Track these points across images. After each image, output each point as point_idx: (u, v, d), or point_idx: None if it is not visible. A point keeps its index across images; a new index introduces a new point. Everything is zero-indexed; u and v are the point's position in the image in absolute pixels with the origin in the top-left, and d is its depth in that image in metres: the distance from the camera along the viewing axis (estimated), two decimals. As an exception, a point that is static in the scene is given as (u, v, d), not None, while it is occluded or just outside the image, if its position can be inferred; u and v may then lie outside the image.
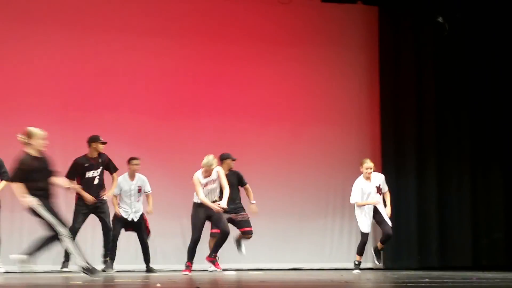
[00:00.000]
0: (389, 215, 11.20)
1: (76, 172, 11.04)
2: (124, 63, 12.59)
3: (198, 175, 10.49)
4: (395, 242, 13.40)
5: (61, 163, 11.38)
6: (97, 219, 11.12)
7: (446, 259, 13.66)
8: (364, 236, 11.23)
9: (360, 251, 11.24)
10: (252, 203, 11.31)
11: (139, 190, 11.38)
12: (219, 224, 10.53)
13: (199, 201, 10.42)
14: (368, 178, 11.17)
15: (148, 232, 11.48)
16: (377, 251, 11.49)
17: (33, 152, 8.99)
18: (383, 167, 13.61)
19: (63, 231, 8.79)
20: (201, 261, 11.12)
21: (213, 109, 13.03)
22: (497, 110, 14.18)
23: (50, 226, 8.81)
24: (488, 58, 14.19)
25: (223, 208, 10.35)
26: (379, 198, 11.19)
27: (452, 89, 14.10)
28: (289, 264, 12.92)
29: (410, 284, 7.40)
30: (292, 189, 13.29)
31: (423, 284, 7.50)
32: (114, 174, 11.22)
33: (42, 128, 11.92)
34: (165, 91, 12.81)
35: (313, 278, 9.35)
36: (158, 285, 6.86)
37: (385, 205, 11.29)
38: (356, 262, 11.27)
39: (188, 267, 10.50)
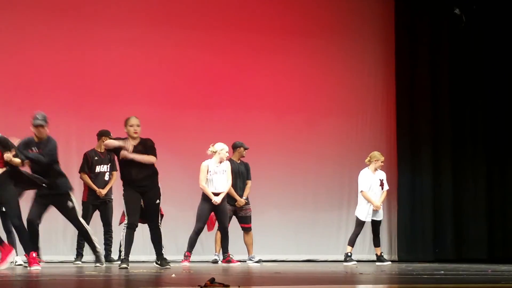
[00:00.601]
0: (378, 208, 11.60)
1: (87, 165, 11.10)
2: (134, 55, 12.55)
3: (208, 162, 10.76)
4: (410, 235, 13.41)
5: (76, 155, 11.55)
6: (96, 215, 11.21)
7: (461, 252, 13.62)
8: (360, 225, 11.50)
9: (353, 242, 11.43)
10: (243, 199, 11.28)
11: None
12: (219, 219, 10.88)
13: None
14: (376, 170, 11.63)
15: (161, 216, 11.50)
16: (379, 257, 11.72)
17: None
18: (398, 159, 13.61)
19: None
20: (207, 252, 11.31)
21: (227, 100, 13.01)
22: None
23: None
24: (505, 51, 14.09)
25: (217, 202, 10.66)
26: (380, 192, 11.66)
27: (468, 83, 14.03)
28: (303, 256, 12.91)
29: (426, 276, 7.36)
30: (307, 181, 13.26)
31: (438, 276, 7.47)
32: (114, 172, 11.24)
33: (58, 120, 12.03)
34: (176, 81, 12.77)
35: (327, 269, 9.33)
36: (173, 275, 6.86)
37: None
38: (349, 254, 11.37)
39: (187, 257, 10.63)
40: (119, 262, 9.41)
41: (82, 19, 12.35)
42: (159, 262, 9.52)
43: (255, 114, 13.12)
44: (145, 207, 9.43)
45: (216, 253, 11.40)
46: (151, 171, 9.37)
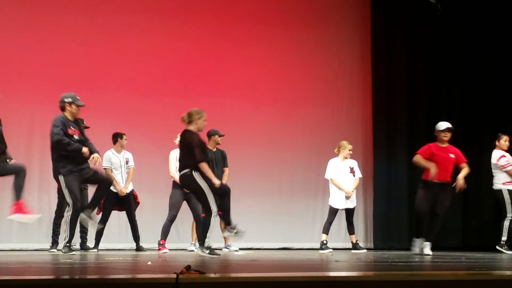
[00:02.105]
0: (350, 194, 11.68)
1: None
2: (112, 44, 12.56)
3: (176, 152, 10.74)
4: (386, 223, 13.49)
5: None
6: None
7: (436, 240, 13.68)
8: (333, 213, 11.63)
9: (327, 230, 11.52)
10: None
11: (127, 162, 11.42)
12: (192, 207, 10.85)
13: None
14: (345, 158, 11.79)
15: (137, 204, 11.50)
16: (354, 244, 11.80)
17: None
18: (374, 148, 13.67)
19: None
20: (183, 240, 11.32)
21: (204, 88, 13.00)
22: (489, 88, 14.20)
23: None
24: (481, 38, 14.20)
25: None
26: (352, 179, 11.77)
27: (445, 71, 14.12)
28: (279, 244, 12.96)
29: (401, 264, 7.41)
30: (283, 170, 13.30)
31: (413, 263, 7.53)
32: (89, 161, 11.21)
33: (32, 107, 11.97)
34: (156, 70, 12.77)
35: (303, 257, 9.36)
36: (149, 263, 6.85)
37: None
38: (324, 241, 11.45)
39: (162, 245, 10.65)
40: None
41: (59, 7, 12.28)
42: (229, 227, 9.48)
43: (232, 104, 13.12)
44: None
45: (193, 242, 11.41)
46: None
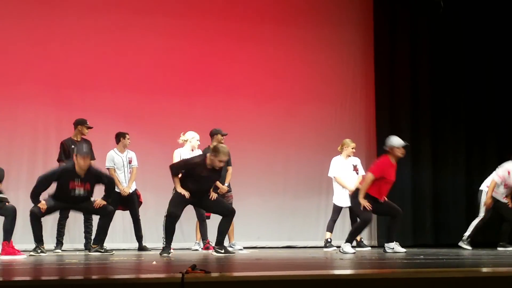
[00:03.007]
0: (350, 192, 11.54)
1: (65, 154, 11.09)
2: (113, 43, 12.53)
3: (180, 151, 10.87)
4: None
5: (56, 144, 11.49)
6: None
7: (440, 237, 13.72)
8: (337, 211, 11.63)
9: (331, 228, 11.52)
10: (224, 185, 11.27)
11: (130, 162, 11.42)
12: (196, 208, 10.75)
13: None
14: (348, 156, 11.76)
15: (140, 203, 11.50)
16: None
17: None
18: (378, 147, 13.63)
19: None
20: (187, 239, 11.33)
21: (207, 87, 13.00)
22: (493, 87, 14.20)
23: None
24: (484, 36, 14.20)
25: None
26: (355, 176, 11.72)
27: (448, 70, 14.11)
28: (283, 242, 12.96)
29: (406, 261, 7.41)
30: (286, 168, 13.30)
31: (418, 260, 7.53)
32: (91, 162, 11.22)
33: (35, 108, 11.98)
34: (158, 69, 12.77)
35: (308, 255, 9.36)
36: (154, 262, 6.86)
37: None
38: (329, 239, 11.45)
39: None
40: (161, 250, 9.68)
41: (58, 7, 12.29)
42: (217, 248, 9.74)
43: (235, 103, 13.12)
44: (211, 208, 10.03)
45: (197, 241, 11.42)
46: None
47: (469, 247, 11.51)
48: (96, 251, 10.07)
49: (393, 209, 10.09)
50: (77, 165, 9.72)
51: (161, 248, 9.80)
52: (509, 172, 11.67)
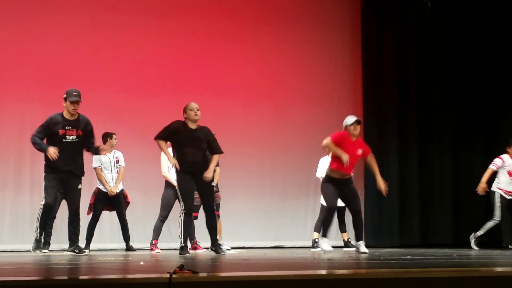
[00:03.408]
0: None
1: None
2: (109, 41, 12.52)
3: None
4: (377, 221, 13.51)
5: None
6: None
7: (427, 237, 13.76)
8: (324, 212, 11.50)
9: (319, 228, 11.50)
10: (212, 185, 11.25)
11: (117, 161, 11.40)
12: None
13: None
14: None
15: (127, 204, 11.47)
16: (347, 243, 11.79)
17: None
18: (365, 147, 13.65)
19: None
20: (175, 240, 11.30)
21: (195, 87, 12.98)
22: (480, 87, 14.25)
23: None
24: (471, 36, 14.25)
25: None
26: None
27: (435, 68, 14.15)
28: (271, 242, 12.96)
29: (393, 261, 7.42)
30: (274, 168, 13.31)
31: (405, 261, 7.54)
32: None
33: (22, 107, 11.95)
34: (146, 68, 12.75)
35: (295, 256, 9.36)
36: (142, 263, 6.85)
37: None
38: (316, 240, 11.45)
39: (155, 245, 10.64)
40: (179, 249, 9.58)
41: (49, 7, 12.26)
42: (214, 249, 9.68)
43: (223, 103, 13.11)
44: (200, 191, 9.65)
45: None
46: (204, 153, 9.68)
47: (476, 248, 11.45)
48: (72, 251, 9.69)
49: (353, 204, 10.02)
50: (66, 111, 9.51)
51: (179, 247, 9.62)
52: (502, 160, 11.69)
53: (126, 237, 11.40)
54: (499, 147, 12.37)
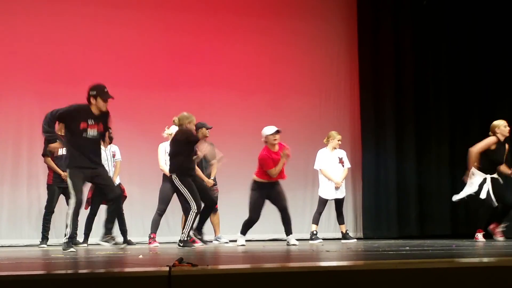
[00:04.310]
0: (339, 185, 11.71)
1: (49, 149, 11.04)
2: (105, 35, 12.51)
3: (165, 144, 10.95)
4: (375, 213, 13.52)
5: (40, 137, 11.43)
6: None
7: (425, 228, 13.77)
8: (322, 203, 11.63)
9: (317, 220, 11.53)
10: (210, 179, 11.28)
11: (114, 156, 11.39)
12: (181, 200, 10.72)
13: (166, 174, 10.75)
14: (334, 148, 11.77)
15: (124, 198, 11.47)
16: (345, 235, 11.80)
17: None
18: (363, 139, 13.68)
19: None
20: (173, 233, 11.34)
21: (192, 81, 12.97)
22: (476, 79, 14.23)
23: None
24: (467, 27, 14.22)
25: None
26: (341, 169, 11.79)
27: (431, 60, 14.13)
28: (268, 235, 12.95)
29: (391, 253, 7.43)
30: (272, 161, 13.27)
31: (404, 252, 7.54)
32: None
33: (19, 101, 11.93)
34: (143, 62, 12.74)
35: (294, 248, 9.37)
36: (140, 256, 6.84)
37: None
38: (314, 232, 11.47)
39: (153, 238, 10.65)
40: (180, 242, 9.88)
41: (45, 1, 12.25)
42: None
43: (220, 95, 13.10)
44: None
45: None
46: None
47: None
48: (107, 241, 9.35)
49: (279, 203, 10.49)
50: (95, 106, 8.81)
51: (181, 240, 9.95)
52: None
53: (123, 231, 11.39)
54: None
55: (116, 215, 9.53)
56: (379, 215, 13.59)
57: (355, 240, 12.11)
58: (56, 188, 11.06)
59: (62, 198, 11.20)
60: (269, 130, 10.44)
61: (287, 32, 13.59)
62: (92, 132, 8.78)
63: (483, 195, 11.10)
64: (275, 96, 13.41)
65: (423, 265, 4.94)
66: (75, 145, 8.75)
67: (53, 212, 11.06)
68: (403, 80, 13.97)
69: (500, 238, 11.02)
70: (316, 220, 11.67)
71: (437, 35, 14.14)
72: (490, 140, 11.15)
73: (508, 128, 11.14)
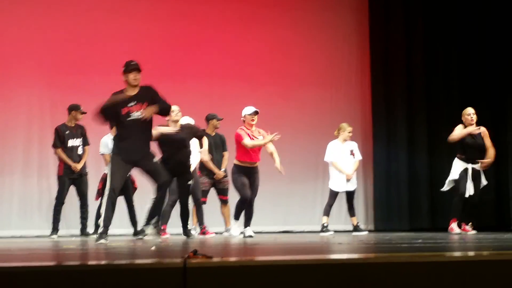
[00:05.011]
0: (350, 177, 11.65)
1: (60, 140, 11.07)
2: (111, 26, 12.52)
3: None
4: (386, 205, 13.48)
5: (51, 128, 11.44)
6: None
7: (436, 220, 13.72)
8: (333, 196, 11.60)
9: (327, 212, 11.51)
10: (221, 171, 11.28)
11: None
12: (192, 191, 10.70)
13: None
14: (345, 140, 11.71)
15: (134, 189, 11.48)
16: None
17: None
18: (374, 131, 13.64)
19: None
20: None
21: (202, 72, 12.95)
22: (488, 70, 14.16)
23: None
24: (478, 19, 14.14)
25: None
26: (352, 161, 11.74)
27: (443, 51, 14.07)
28: (279, 227, 12.95)
29: (404, 245, 7.39)
30: (283, 153, 13.16)
31: (417, 245, 7.51)
32: (86, 147, 11.26)
33: (29, 91, 11.93)
34: (155, 54, 12.72)
35: (305, 240, 9.35)
36: (153, 248, 6.82)
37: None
38: (325, 224, 11.45)
39: (163, 230, 10.65)
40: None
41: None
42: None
43: (231, 87, 13.08)
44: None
45: (193, 226, 11.41)
46: None
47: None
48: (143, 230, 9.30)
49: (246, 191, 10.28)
50: (128, 86, 8.52)
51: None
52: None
53: (134, 222, 11.41)
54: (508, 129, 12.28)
55: (161, 204, 9.22)
56: (390, 207, 13.55)
57: (366, 232, 12.09)
58: (66, 179, 11.08)
59: (72, 189, 11.22)
60: (248, 110, 10.45)
61: (298, 24, 13.55)
62: (136, 114, 8.48)
63: (462, 188, 11.11)
64: (286, 88, 13.38)
65: (436, 259, 4.91)
66: (123, 131, 8.52)
67: (63, 203, 11.08)
68: (414, 72, 13.91)
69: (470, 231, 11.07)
70: (327, 212, 11.65)
71: (449, 27, 14.07)
72: (457, 128, 11.16)
73: (470, 117, 11.32)
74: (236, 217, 10.56)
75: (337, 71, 13.78)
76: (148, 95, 8.58)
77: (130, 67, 8.58)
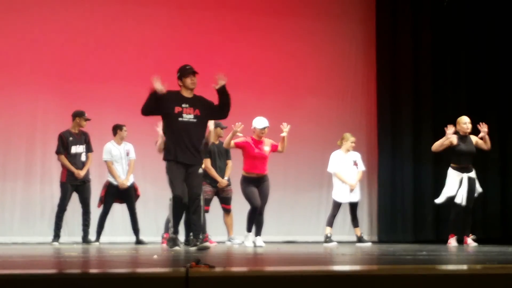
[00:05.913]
0: (353, 187, 11.60)
1: (63, 146, 11.05)
2: (116, 32, 12.51)
3: None
4: (390, 216, 13.42)
5: (54, 134, 11.42)
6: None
7: (441, 232, 13.64)
8: (336, 206, 11.53)
9: (330, 223, 11.46)
10: (224, 179, 11.22)
11: (128, 154, 11.38)
12: None
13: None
14: (348, 150, 11.66)
15: (137, 197, 11.45)
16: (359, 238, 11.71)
17: None
18: (379, 141, 13.60)
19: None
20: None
21: (207, 80, 12.88)
22: (495, 81, 14.11)
23: None
24: (486, 29, 14.09)
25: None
26: (355, 171, 11.69)
27: (449, 61, 14.03)
28: (283, 237, 12.89)
29: (408, 257, 7.34)
30: (287, 162, 13.22)
31: (421, 257, 7.45)
32: (89, 154, 11.25)
33: (33, 97, 11.91)
34: (160, 61, 12.68)
35: (308, 250, 9.29)
36: (155, 256, 6.78)
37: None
38: (328, 235, 11.39)
39: (166, 238, 10.57)
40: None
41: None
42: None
43: (235, 95, 12.88)
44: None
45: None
46: None
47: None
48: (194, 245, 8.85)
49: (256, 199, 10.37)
50: (184, 88, 8.67)
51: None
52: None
53: (136, 230, 11.38)
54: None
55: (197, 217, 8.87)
56: (395, 218, 13.49)
57: (370, 243, 12.03)
58: (69, 186, 11.06)
59: (75, 196, 11.18)
60: (259, 123, 10.59)
61: (304, 32, 13.52)
62: (188, 116, 8.51)
63: (458, 199, 11.09)
64: (291, 96, 13.35)
65: (439, 271, 4.87)
66: (174, 132, 8.49)
67: (65, 210, 11.06)
68: (421, 82, 13.87)
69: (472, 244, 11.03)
70: (330, 223, 11.59)
71: (456, 37, 14.03)
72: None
73: (466, 126, 11.36)
74: (249, 229, 10.56)
75: (343, 81, 13.75)
76: (199, 103, 8.71)
77: (187, 71, 8.77)
